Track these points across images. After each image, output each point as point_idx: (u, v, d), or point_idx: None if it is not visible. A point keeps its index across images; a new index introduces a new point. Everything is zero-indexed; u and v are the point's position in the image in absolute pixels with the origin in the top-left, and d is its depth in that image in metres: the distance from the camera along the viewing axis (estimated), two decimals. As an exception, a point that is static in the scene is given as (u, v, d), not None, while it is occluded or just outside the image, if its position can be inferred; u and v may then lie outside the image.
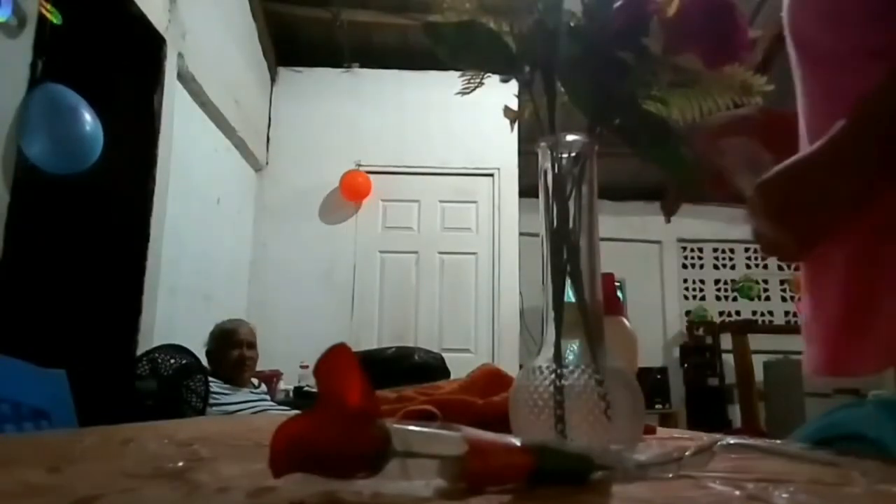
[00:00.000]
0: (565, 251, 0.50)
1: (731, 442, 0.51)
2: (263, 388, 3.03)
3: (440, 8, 0.54)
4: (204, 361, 2.71)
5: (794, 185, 0.57)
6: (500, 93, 0.62)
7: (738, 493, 0.33)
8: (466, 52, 0.55)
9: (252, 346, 2.92)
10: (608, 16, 0.50)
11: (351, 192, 4.40)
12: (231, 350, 2.83)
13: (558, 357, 0.48)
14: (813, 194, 0.56)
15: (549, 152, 0.52)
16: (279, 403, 3.06)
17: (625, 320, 0.81)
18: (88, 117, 2.13)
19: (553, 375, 0.47)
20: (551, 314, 0.49)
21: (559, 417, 0.46)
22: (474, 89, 0.60)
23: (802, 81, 0.69)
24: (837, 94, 0.63)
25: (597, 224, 0.51)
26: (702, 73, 0.51)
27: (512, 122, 0.62)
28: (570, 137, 0.52)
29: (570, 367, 0.47)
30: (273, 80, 4.66)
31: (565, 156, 0.52)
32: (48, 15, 2.02)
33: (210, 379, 2.58)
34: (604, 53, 0.50)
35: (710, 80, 0.52)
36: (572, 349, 0.48)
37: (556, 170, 0.51)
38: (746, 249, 6.49)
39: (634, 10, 0.50)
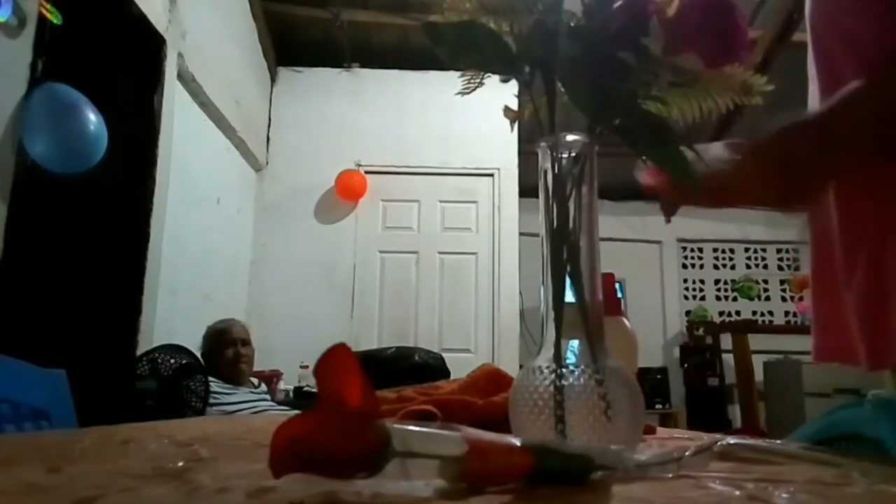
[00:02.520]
0: (565, 251, 0.50)
1: (731, 442, 0.51)
2: (263, 387, 3.03)
3: (440, 8, 0.54)
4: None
5: (788, 143, 0.63)
6: (500, 93, 0.62)
7: (738, 493, 0.33)
8: (466, 52, 0.55)
9: (246, 343, 2.92)
10: (608, 16, 0.50)
11: (347, 191, 4.39)
12: (226, 349, 2.83)
13: (558, 357, 0.48)
14: (803, 155, 0.62)
15: (549, 152, 0.52)
16: (279, 403, 3.05)
17: (625, 320, 0.81)
18: (93, 116, 2.13)
19: (553, 375, 0.47)
20: (551, 314, 0.49)
21: (559, 417, 0.45)
22: (474, 89, 0.60)
23: (820, 74, 0.70)
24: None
25: (597, 224, 0.51)
26: (702, 73, 0.51)
27: (512, 122, 0.62)
28: (570, 137, 0.51)
29: (570, 367, 0.47)
30: (273, 80, 4.66)
31: (565, 156, 0.51)
32: (48, 15, 2.02)
33: (210, 379, 2.58)
34: (604, 53, 0.50)
35: (710, 80, 0.52)
36: (572, 349, 0.48)
37: (556, 170, 0.51)
38: (746, 249, 6.49)
39: (634, 10, 0.50)
